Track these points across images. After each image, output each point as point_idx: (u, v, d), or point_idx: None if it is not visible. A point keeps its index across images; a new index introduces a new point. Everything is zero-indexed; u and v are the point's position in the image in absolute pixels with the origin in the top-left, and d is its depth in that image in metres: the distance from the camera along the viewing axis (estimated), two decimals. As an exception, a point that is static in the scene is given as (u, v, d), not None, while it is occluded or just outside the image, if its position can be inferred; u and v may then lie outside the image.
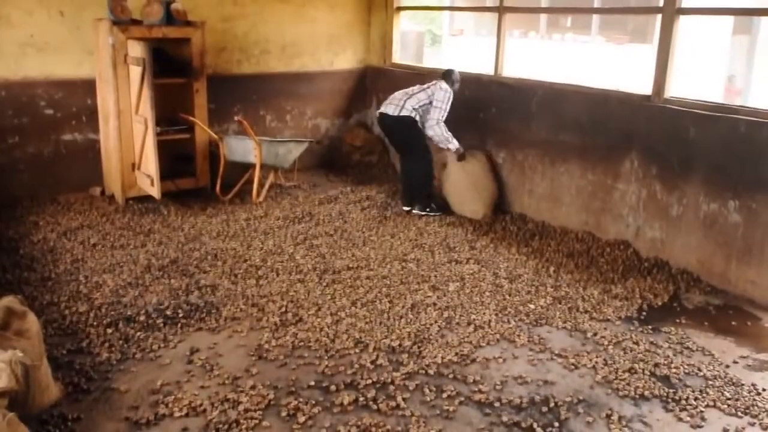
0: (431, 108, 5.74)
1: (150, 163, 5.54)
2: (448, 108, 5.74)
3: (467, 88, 6.33)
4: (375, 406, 3.07)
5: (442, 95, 5.72)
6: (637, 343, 3.73)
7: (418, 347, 3.60)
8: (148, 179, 5.60)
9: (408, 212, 5.92)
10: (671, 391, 3.27)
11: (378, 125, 6.19)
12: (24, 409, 2.52)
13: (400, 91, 5.90)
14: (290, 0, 7.05)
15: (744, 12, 8.89)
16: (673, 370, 3.45)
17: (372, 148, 7.63)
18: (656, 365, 3.49)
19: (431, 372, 3.37)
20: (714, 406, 3.17)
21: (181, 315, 3.91)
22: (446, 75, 5.90)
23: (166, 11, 5.74)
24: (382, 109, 5.91)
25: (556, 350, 3.63)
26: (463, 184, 5.90)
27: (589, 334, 3.83)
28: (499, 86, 6.06)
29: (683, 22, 4.76)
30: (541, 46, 17.12)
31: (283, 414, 3.00)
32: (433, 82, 5.86)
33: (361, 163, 7.57)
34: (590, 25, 16.84)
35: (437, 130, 5.75)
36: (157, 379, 3.24)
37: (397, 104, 5.78)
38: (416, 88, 5.86)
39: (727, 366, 3.55)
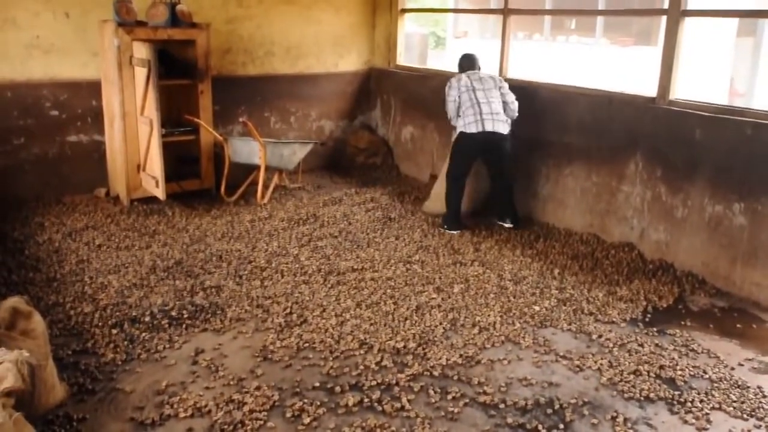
0: (506, 95, 5.53)
1: (155, 165, 5.55)
2: None
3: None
4: (380, 408, 3.07)
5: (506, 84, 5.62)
6: (642, 345, 3.72)
7: (423, 349, 3.60)
8: (153, 180, 5.61)
9: (511, 227, 5.58)
10: (676, 393, 3.26)
11: (477, 142, 5.41)
12: (30, 409, 2.52)
13: (488, 101, 5.42)
14: (295, 2, 7.07)
15: (749, 14, 8.88)
16: (679, 373, 3.44)
17: (376, 150, 7.64)
18: (661, 367, 3.48)
19: (436, 373, 3.37)
20: (719, 409, 3.16)
21: (186, 316, 3.91)
22: (474, 62, 5.72)
23: (171, 13, 5.75)
24: (490, 127, 5.34)
25: (561, 352, 3.63)
26: None
27: (594, 336, 3.82)
28: (504, 88, 6.05)
29: (688, 24, 4.76)
30: (546, 49, 17.10)
31: (288, 415, 3.00)
32: (488, 75, 5.63)
33: (365, 165, 7.57)
34: (595, 27, 16.82)
35: (515, 108, 5.57)
36: (162, 380, 3.25)
37: (502, 119, 5.41)
38: (491, 92, 5.46)
39: (733, 368, 3.55)
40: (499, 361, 3.52)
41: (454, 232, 5.49)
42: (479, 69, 5.74)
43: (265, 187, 6.22)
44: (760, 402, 3.22)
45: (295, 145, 6.30)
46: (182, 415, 2.98)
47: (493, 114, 5.37)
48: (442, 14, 20.81)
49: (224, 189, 6.18)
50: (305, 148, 6.36)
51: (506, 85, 5.56)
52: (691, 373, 3.46)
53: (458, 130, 5.50)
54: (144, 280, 4.40)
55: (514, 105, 5.52)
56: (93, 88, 6.08)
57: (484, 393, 3.21)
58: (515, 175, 5.73)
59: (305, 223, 5.65)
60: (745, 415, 3.11)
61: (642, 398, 3.22)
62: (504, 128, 5.41)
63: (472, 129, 5.36)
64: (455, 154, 5.60)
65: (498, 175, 5.64)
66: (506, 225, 5.60)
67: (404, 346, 3.61)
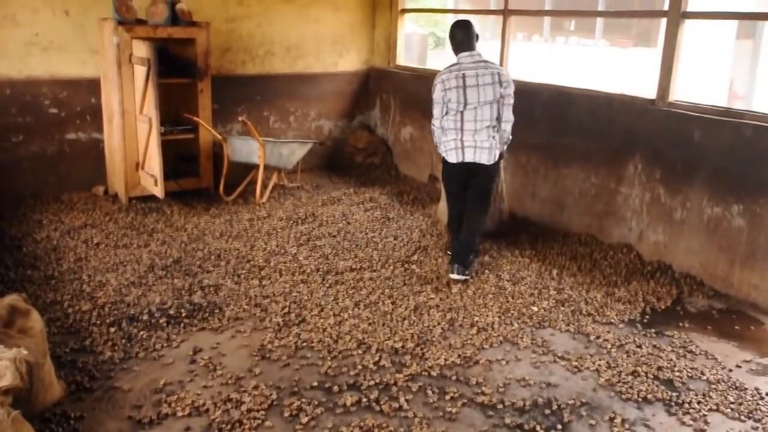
0: (504, 106, 4.48)
1: (154, 163, 5.54)
2: None
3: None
4: (378, 408, 3.07)
5: (512, 85, 4.50)
6: (640, 347, 3.72)
7: (421, 349, 3.60)
8: (152, 179, 5.61)
9: (456, 279, 4.47)
10: (674, 394, 3.26)
11: (456, 170, 4.55)
12: (27, 407, 2.52)
13: (475, 127, 4.40)
14: (295, 1, 7.06)
15: (748, 16, 8.90)
16: (677, 374, 3.44)
17: (375, 150, 7.63)
18: (659, 369, 3.49)
19: (434, 374, 3.37)
20: (717, 410, 3.16)
21: (184, 315, 3.91)
22: (471, 35, 4.48)
23: (171, 11, 5.75)
24: (471, 158, 4.43)
25: (559, 353, 3.63)
26: None
27: (592, 337, 3.82)
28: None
29: (688, 26, 4.76)
30: (545, 50, 17.11)
31: (286, 414, 3.00)
32: (490, 73, 4.39)
33: (364, 165, 7.57)
34: (594, 28, 16.83)
35: (509, 130, 4.57)
36: (160, 379, 3.25)
37: (490, 146, 4.42)
38: (484, 111, 4.39)
39: (731, 370, 3.55)
40: (498, 362, 3.52)
41: (468, 278, 4.50)
42: (477, 42, 4.53)
43: (264, 186, 6.22)
44: (758, 404, 3.22)
45: (294, 145, 6.30)
46: (180, 413, 2.98)
47: (476, 142, 4.42)
48: (442, 14, 20.80)
49: (223, 188, 6.18)
50: (304, 147, 6.36)
51: (511, 92, 4.47)
52: (689, 374, 3.46)
53: (440, 152, 4.64)
54: (142, 278, 4.39)
55: (509, 126, 4.51)
56: (92, 86, 6.07)
57: (482, 393, 3.21)
58: (488, 210, 4.74)
59: (304, 222, 5.64)
60: (742, 417, 3.12)
61: (640, 399, 3.22)
62: (488, 157, 4.45)
63: (452, 158, 4.50)
64: (443, 180, 4.81)
65: (470, 206, 4.60)
66: (451, 275, 4.46)
67: (402, 346, 3.61)
